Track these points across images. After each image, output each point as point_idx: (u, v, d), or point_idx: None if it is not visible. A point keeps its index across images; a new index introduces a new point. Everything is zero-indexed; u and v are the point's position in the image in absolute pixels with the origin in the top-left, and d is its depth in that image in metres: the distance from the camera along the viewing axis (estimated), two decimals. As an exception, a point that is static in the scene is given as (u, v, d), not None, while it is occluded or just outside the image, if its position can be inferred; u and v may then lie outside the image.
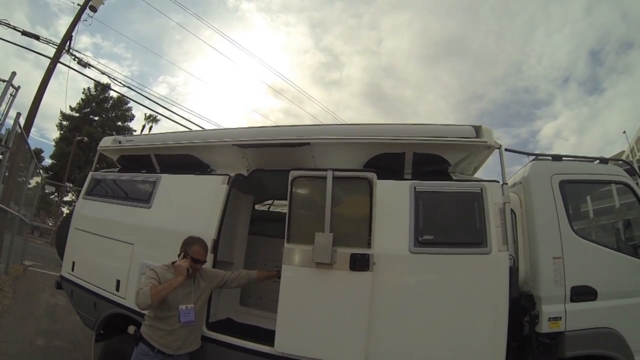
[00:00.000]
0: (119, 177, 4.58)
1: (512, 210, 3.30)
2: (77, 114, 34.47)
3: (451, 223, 3.10)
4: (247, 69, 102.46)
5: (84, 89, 34.00)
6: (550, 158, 3.59)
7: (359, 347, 2.69)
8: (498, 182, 3.07)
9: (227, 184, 3.59)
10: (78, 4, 11.34)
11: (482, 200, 2.96)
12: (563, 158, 3.54)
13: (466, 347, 2.76)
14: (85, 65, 11.42)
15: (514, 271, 2.94)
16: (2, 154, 5.72)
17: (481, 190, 3.00)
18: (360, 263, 2.77)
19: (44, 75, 10.57)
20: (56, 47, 11.06)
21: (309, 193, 3.09)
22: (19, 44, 11.97)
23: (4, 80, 5.82)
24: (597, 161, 3.63)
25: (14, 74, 5.72)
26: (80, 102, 34.28)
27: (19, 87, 5.86)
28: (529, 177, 3.41)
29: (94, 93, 33.67)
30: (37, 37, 10.50)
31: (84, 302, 4.09)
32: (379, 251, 2.82)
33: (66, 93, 41.43)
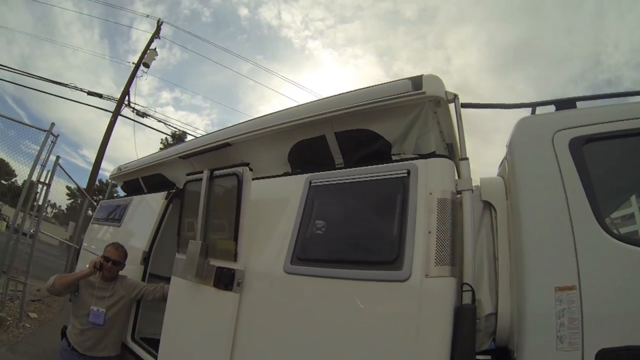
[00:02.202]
0: (112, 202, 5.45)
1: (489, 206, 2.05)
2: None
3: (352, 230, 2.09)
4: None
5: (161, 139, 38.69)
6: (553, 106, 2.02)
7: None
8: (446, 157, 2.03)
9: (166, 199, 3.79)
10: (133, 63, 13.02)
11: (407, 190, 1.91)
12: (578, 102, 1.95)
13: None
14: (144, 115, 12.82)
15: (465, 312, 1.68)
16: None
17: (407, 173, 1.96)
18: (223, 280, 2.35)
19: (107, 127, 12.13)
20: (125, 103, 12.48)
21: (194, 198, 2.81)
22: (87, 103, 14.00)
23: (44, 130, 7.17)
24: None
25: (52, 124, 7.20)
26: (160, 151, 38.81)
27: (58, 135, 7.35)
28: (512, 142, 1.97)
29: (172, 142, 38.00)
30: (100, 96, 12.25)
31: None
32: (250, 267, 2.32)
33: (135, 141, 47.74)
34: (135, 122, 13.60)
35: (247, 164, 2.49)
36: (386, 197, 2.00)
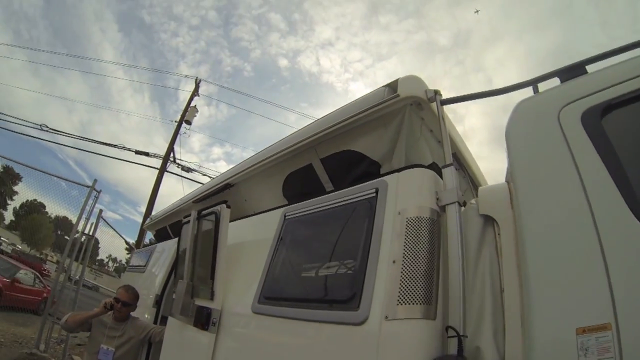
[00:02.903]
0: (142, 250, 5.77)
1: (491, 221, 1.55)
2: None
3: (315, 265, 1.84)
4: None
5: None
6: (557, 80, 1.52)
7: None
8: (423, 166, 1.72)
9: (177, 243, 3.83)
10: (175, 121, 13.88)
11: (373, 213, 1.63)
12: (589, 66, 1.47)
13: None
14: (189, 170, 13.48)
15: None
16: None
17: (375, 192, 1.69)
18: (200, 319, 2.29)
19: (154, 184, 12.86)
20: (170, 159, 13.23)
21: (185, 238, 2.86)
22: (137, 162, 15.02)
23: (88, 186, 8.02)
24: None
25: (95, 181, 8.06)
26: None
27: (100, 190, 8.15)
28: (508, 131, 1.51)
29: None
30: (147, 154, 13.05)
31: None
32: (227, 306, 2.22)
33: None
34: (183, 178, 14.30)
35: (225, 202, 2.47)
36: (351, 223, 1.73)
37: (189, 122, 14.87)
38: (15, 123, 14.08)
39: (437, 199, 1.56)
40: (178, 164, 14.36)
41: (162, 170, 13.52)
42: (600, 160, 1.19)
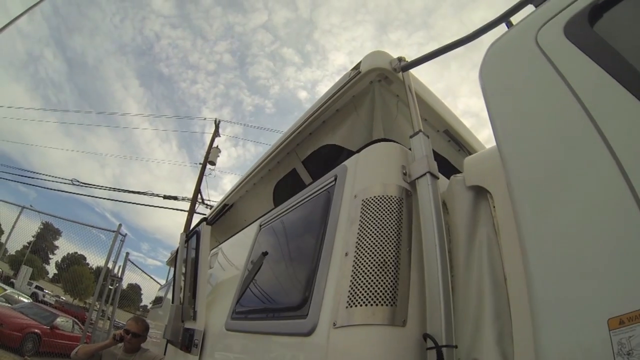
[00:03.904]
0: (163, 286, 6.10)
1: (484, 193, 1.28)
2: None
3: (277, 272, 1.69)
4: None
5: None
6: (532, 7, 1.27)
7: None
8: (387, 140, 1.53)
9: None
10: (199, 163, 14.37)
11: (330, 202, 1.46)
12: None
13: None
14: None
15: None
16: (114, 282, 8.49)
17: (335, 179, 1.53)
18: (184, 342, 2.25)
19: (184, 226, 13.25)
20: (199, 201, 13.76)
21: (178, 262, 2.89)
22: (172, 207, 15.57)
23: (113, 231, 8.57)
24: None
25: (120, 225, 8.91)
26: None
27: (125, 234, 8.63)
28: (481, 75, 1.23)
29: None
30: (175, 198, 13.48)
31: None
32: (208, 326, 2.13)
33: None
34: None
35: (205, 219, 2.52)
36: (311, 219, 1.56)
37: (213, 163, 15.51)
38: (50, 181, 15.25)
39: (405, 174, 1.35)
40: (206, 204, 14.82)
41: (191, 211, 13.95)
42: (604, 71, 0.90)
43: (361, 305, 1.09)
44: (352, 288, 1.13)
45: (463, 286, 1.20)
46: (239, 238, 2.54)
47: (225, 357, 1.86)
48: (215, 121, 16.36)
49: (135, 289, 27.32)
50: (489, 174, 1.24)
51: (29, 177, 16.09)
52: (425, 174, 1.30)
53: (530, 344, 0.88)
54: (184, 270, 2.66)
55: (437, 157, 2.03)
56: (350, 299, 1.12)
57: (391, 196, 1.28)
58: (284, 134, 2.29)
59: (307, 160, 2.29)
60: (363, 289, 1.11)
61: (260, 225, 2.07)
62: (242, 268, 2.02)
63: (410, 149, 1.43)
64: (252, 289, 1.77)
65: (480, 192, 1.30)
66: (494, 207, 1.22)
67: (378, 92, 1.81)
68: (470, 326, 1.12)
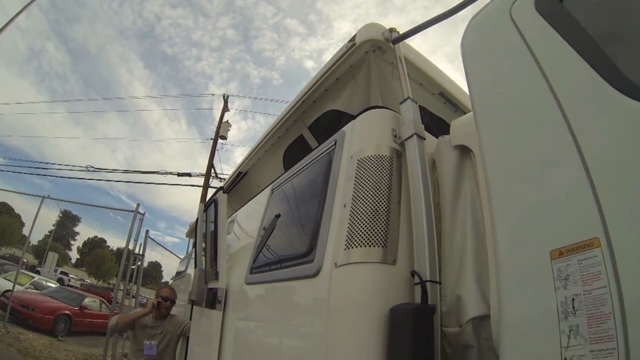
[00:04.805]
0: (183, 259, 6.75)
1: (468, 152, 1.47)
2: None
3: (288, 228, 1.94)
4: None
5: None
6: None
7: None
8: (380, 107, 1.74)
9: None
10: (210, 139, 14.67)
11: (331, 164, 1.68)
12: None
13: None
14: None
15: (398, 318, 1.18)
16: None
17: (334, 144, 1.74)
18: (209, 300, 2.55)
19: (200, 200, 13.63)
20: (212, 175, 14.06)
21: (198, 231, 3.22)
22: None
23: (132, 210, 8.99)
24: None
25: (138, 205, 9.04)
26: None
27: (144, 213, 9.28)
28: (463, 53, 1.37)
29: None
30: (189, 174, 13.83)
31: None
32: (229, 284, 2.45)
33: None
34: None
35: (221, 188, 2.80)
36: (315, 180, 1.79)
37: (224, 137, 15.92)
38: (64, 169, 15.70)
39: (395, 136, 1.55)
40: (220, 178, 15.25)
41: (206, 186, 14.38)
42: (565, 42, 1.02)
43: (357, 247, 1.31)
44: (349, 233, 1.35)
45: (449, 234, 1.42)
46: (253, 203, 2.80)
47: (245, 307, 2.20)
48: (224, 96, 16.57)
49: (156, 267, 28.42)
50: (472, 134, 1.33)
51: (42, 168, 16.66)
52: (412, 136, 1.49)
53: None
54: (204, 238, 2.94)
55: (435, 118, 2.25)
56: (348, 242, 1.34)
57: (382, 155, 1.49)
58: (290, 102, 2.53)
59: (312, 125, 2.53)
60: (359, 234, 1.34)
61: (272, 190, 2.34)
62: (257, 229, 2.29)
63: (400, 114, 1.63)
64: (268, 246, 2.05)
65: (465, 151, 1.48)
66: (477, 164, 1.39)
67: (373, 61, 1.99)
68: (455, 268, 1.34)
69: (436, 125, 2.08)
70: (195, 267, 3.21)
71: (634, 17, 1.03)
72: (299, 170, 2.03)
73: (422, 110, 1.94)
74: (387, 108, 1.69)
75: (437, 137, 1.66)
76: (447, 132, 1.63)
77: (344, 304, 1.29)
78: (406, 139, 1.51)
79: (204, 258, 2.83)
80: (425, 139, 1.53)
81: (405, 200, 1.43)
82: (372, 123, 1.62)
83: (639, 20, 1.02)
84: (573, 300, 0.83)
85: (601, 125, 0.89)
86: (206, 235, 2.92)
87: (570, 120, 0.93)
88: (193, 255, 5.42)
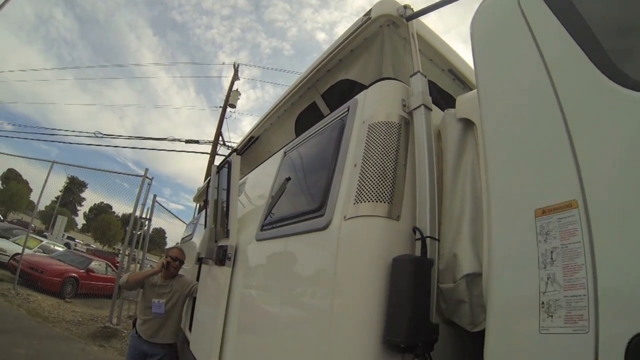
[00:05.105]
0: (189, 223, 7.08)
1: (471, 125, 1.61)
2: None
3: (301, 186, 2.08)
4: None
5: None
6: None
7: (214, 355, 2.43)
8: (391, 78, 1.86)
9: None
10: (220, 106, 14.66)
11: (344, 128, 1.81)
12: None
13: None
14: (239, 153, 14.51)
15: (399, 266, 1.31)
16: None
17: (347, 110, 1.86)
18: (219, 257, 2.75)
19: (207, 168, 13.93)
20: (220, 143, 14.24)
21: (210, 192, 3.37)
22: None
23: (140, 175, 9.28)
24: None
25: (146, 170, 9.23)
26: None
27: (152, 178, 9.46)
28: (471, 36, 1.46)
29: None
30: (197, 142, 13.98)
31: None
32: (239, 242, 2.62)
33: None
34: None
35: (235, 150, 2.97)
36: (328, 143, 1.91)
37: (233, 106, 15.95)
38: (73, 136, 15.92)
39: (404, 105, 1.68)
40: (228, 146, 15.42)
41: (213, 154, 14.57)
42: (563, 27, 1.11)
43: (365, 202, 1.46)
44: (358, 189, 1.50)
45: (450, 198, 1.58)
46: (265, 166, 2.95)
47: (255, 263, 2.37)
48: (234, 65, 16.53)
49: (160, 233, 28.94)
50: (476, 109, 1.46)
51: (50, 134, 16.82)
52: (420, 106, 1.63)
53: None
54: (216, 198, 3.11)
55: (444, 94, 2.37)
56: (357, 197, 1.49)
57: (392, 122, 1.62)
58: (305, 71, 2.64)
59: (325, 93, 2.66)
60: (367, 190, 1.48)
61: (285, 152, 2.47)
62: (269, 190, 2.44)
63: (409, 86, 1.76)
64: (279, 204, 2.21)
65: (468, 124, 1.63)
66: (478, 136, 1.54)
67: (387, 35, 2.10)
68: (453, 229, 1.50)
69: (445, 101, 2.19)
70: (206, 226, 3.40)
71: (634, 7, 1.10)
72: (313, 133, 2.17)
73: (432, 85, 2.06)
74: (398, 80, 1.80)
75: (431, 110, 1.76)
76: (454, 107, 1.75)
77: (352, 253, 1.43)
78: (414, 109, 1.64)
79: (214, 218, 2.99)
80: (432, 110, 1.66)
81: (411, 164, 1.57)
82: (384, 92, 1.75)
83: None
84: (552, 252, 0.97)
85: (589, 107, 1.00)
86: (218, 195, 3.08)
87: (562, 100, 1.04)
88: (198, 220, 5.63)
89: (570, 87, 1.06)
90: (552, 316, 0.92)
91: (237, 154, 2.85)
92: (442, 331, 1.33)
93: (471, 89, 2.35)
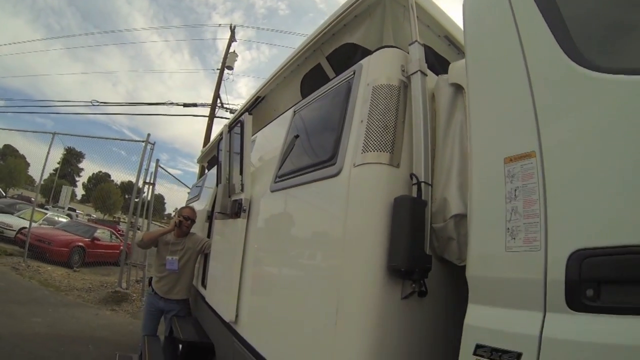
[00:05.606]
0: (197, 183, 6.99)
1: (461, 89, 1.87)
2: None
3: (313, 141, 2.36)
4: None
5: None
6: None
7: (232, 303, 2.72)
8: (391, 46, 2.08)
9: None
10: (217, 69, 14.78)
11: (350, 90, 2.07)
12: None
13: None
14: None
15: (398, 205, 1.63)
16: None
17: (353, 73, 2.11)
18: (234, 210, 2.99)
19: (205, 131, 14.30)
20: (218, 105, 14.46)
21: (222, 150, 3.61)
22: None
23: (142, 141, 9.46)
24: None
25: (148, 135, 9.46)
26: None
27: (154, 142, 9.56)
28: (463, 8, 1.68)
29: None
30: (195, 105, 14.19)
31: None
32: (252, 195, 2.93)
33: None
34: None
35: (247, 110, 3.20)
36: (336, 101, 2.17)
37: (230, 68, 15.93)
38: (68, 106, 15.88)
39: (403, 71, 1.94)
40: (226, 108, 15.60)
41: (212, 116, 14.71)
42: (537, 7, 1.31)
43: (371, 151, 1.76)
44: (365, 141, 1.80)
45: (441, 151, 1.88)
46: (274, 125, 3.19)
47: (270, 213, 2.68)
48: (231, 26, 16.35)
49: (159, 199, 29.21)
50: (465, 75, 1.72)
51: (43, 106, 16.77)
52: (416, 72, 1.89)
53: None
54: (228, 156, 3.36)
55: (440, 58, 2.60)
56: (364, 147, 1.79)
57: (392, 85, 1.89)
58: (311, 34, 2.86)
59: (330, 55, 2.87)
60: (372, 142, 1.78)
61: (295, 111, 2.72)
62: (280, 146, 2.69)
63: (408, 53, 2.01)
64: (292, 157, 2.48)
65: (458, 89, 1.90)
66: (467, 99, 1.76)
67: (388, 3, 2.34)
68: (444, 177, 1.80)
69: (440, 65, 2.42)
70: (218, 183, 3.64)
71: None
72: (321, 94, 2.42)
73: (429, 49, 2.31)
74: (398, 47, 2.05)
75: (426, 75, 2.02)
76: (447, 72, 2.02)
77: (360, 194, 1.74)
78: (412, 74, 1.91)
79: (228, 174, 3.25)
80: (427, 76, 1.93)
81: (409, 121, 1.85)
82: (385, 58, 2.00)
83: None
84: (515, 190, 1.25)
85: (548, 77, 1.24)
86: (230, 153, 3.34)
87: (529, 70, 1.28)
88: (203, 182, 5.86)
89: (536, 61, 1.29)
90: (514, 238, 1.22)
91: (249, 114, 3.09)
92: (435, 266, 1.65)
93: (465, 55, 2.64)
